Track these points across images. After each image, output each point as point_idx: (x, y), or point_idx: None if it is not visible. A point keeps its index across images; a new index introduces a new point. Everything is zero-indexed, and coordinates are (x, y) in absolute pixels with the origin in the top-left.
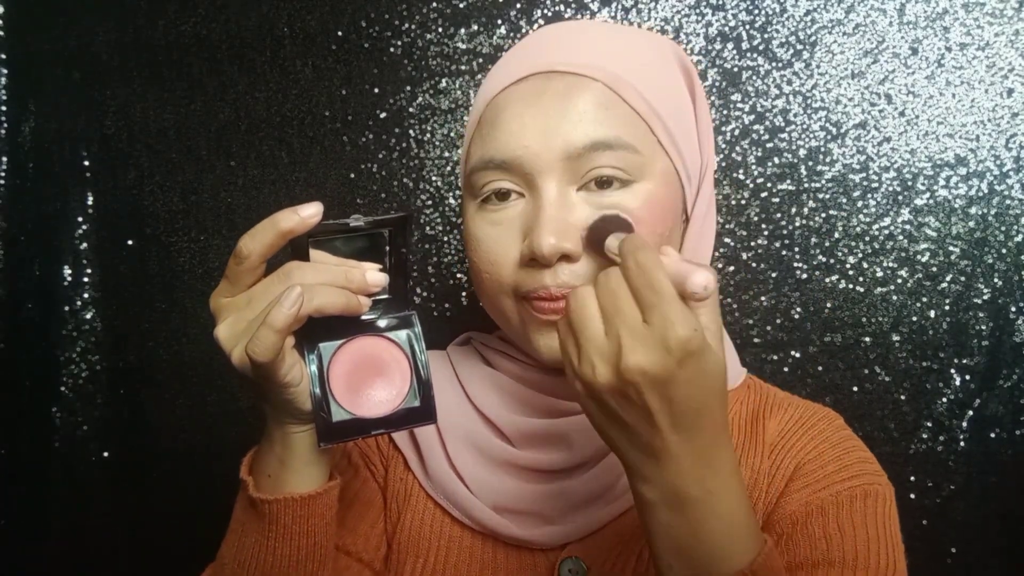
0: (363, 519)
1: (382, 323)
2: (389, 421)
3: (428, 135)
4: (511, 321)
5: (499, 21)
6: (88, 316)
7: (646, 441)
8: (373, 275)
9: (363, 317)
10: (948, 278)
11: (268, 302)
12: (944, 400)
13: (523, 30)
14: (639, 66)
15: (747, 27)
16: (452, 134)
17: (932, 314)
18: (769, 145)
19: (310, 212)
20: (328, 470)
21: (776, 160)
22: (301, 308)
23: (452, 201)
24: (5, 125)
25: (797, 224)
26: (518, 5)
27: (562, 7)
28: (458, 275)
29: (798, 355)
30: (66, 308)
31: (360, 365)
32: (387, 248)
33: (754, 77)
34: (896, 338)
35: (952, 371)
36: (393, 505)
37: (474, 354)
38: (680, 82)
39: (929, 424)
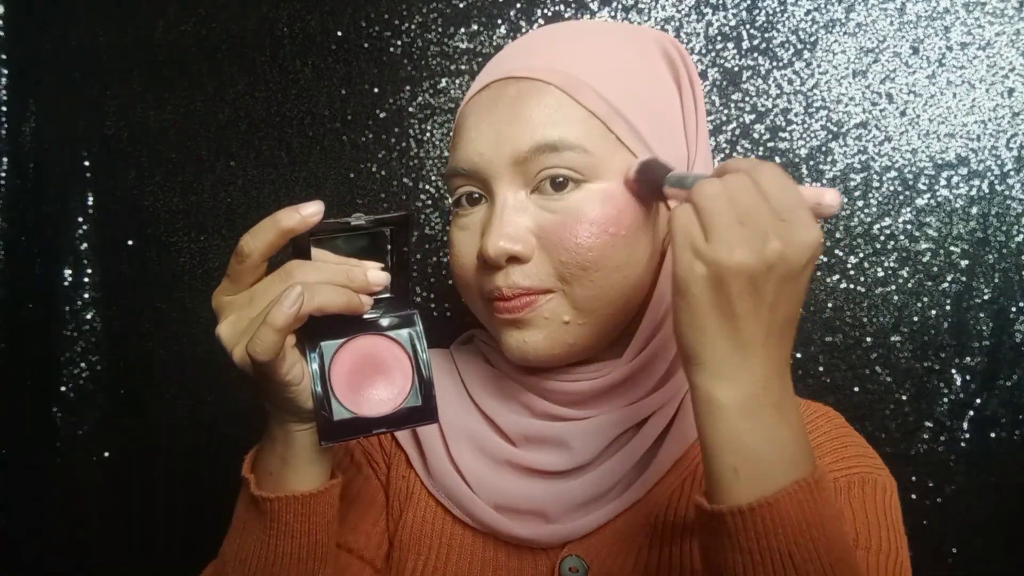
0: (365, 517)
1: (384, 322)
2: (390, 420)
3: (428, 135)
4: (487, 321)
5: (499, 21)
6: (88, 316)
7: (747, 336)
8: (375, 274)
9: (364, 316)
10: (949, 278)
11: (269, 301)
12: (945, 400)
13: (523, 30)
14: (603, 66)
15: (748, 26)
16: (452, 134)
17: (933, 314)
18: (770, 145)
19: (311, 211)
20: (330, 468)
21: (777, 160)
22: (302, 307)
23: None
24: (5, 125)
25: None
26: (518, 5)
27: (562, 7)
28: None
29: (799, 355)
30: (66, 308)
31: (362, 364)
32: (388, 247)
33: (755, 76)
34: (897, 338)
35: (953, 371)
36: (395, 503)
37: (476, 353)
38: (661, 75)
39: (930, 424)
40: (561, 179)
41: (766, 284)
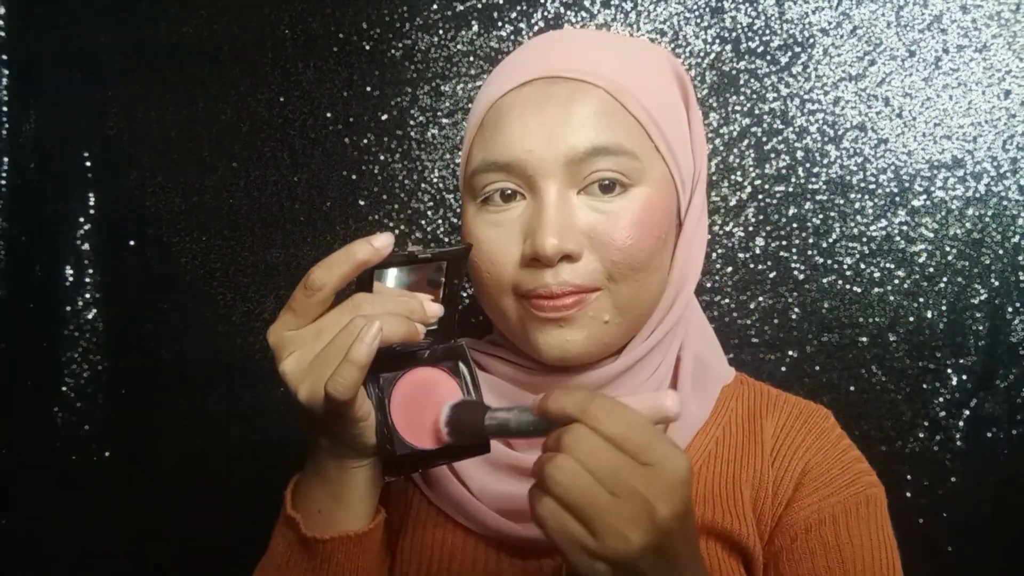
0: None
1: (435, 353)
2: (449, 452)
3: (429, 137)
4: (510, 320)
5: (500, 23)
6: (89, 316)
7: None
8: (431, 306)
9: (415, 348)
10: (945, 279)
11: (338, 335)
12: (941, 400)
13: (524, 32)
14: (639, 75)
15: (745, 29)
16: (453, 136)
17: (929, 314)
18: (767, 147)
19: (384, 242)
20: (376, 502)
21: (774, 162)
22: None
23: (453, 202)
24: (7, 126)
25: (795, 225)
26: (519, 7)
27: (562, 9)
28: None
29: (795, 355)
30: (68, 308)
31: (417, 396)
32: (443, 279)
33: (752, 79)
34: (893, 338)
35: (949, 371)
36: (395, 516)
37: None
38: (676, 91)
39: (926, 423)
40: (609, 182)
41: (671, 543)
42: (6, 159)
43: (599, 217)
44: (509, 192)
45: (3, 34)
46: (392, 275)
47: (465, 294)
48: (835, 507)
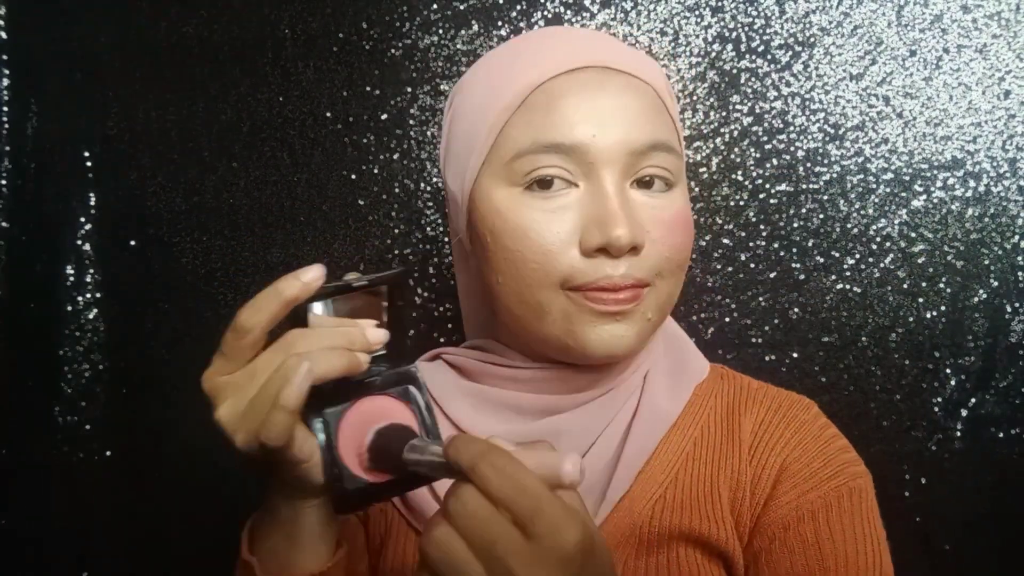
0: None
1: (383, 381)
2: (404, 482)
3: (429, 136)
4: (549, 315)
5: (500, 23)
6: (90, 316)
7: None
8: (374, 332)
9: (363, 377)
10: (945, 279)
11: (271, 377)
12: (940, 400)
13: (524, 32)
14: (663, 78)
15: (746, 29)
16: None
17: (929, 315)
18: (767, 146)
19: (312, 276)
20: (336, 537)
21: (774, 161)
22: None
23: None
24: (7, 126)
25: (795, 225)
26: (518, 7)
27: (562, 9)
28: None
29: (796, 355)
30: (68, 308)
31: (368, 427)
32: (386, 304)
33: (753, 79)
34: (893, 338)
35: (948, 371)
36: (375, 537)
37: (447, 370)
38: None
39: (924, 423)
40: (661, 178)
41: None
42: (6, 159)
43: (654, 212)
44: (559, 177)
45: (3, 34)
46: (332, 305)
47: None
48: (815, 502)
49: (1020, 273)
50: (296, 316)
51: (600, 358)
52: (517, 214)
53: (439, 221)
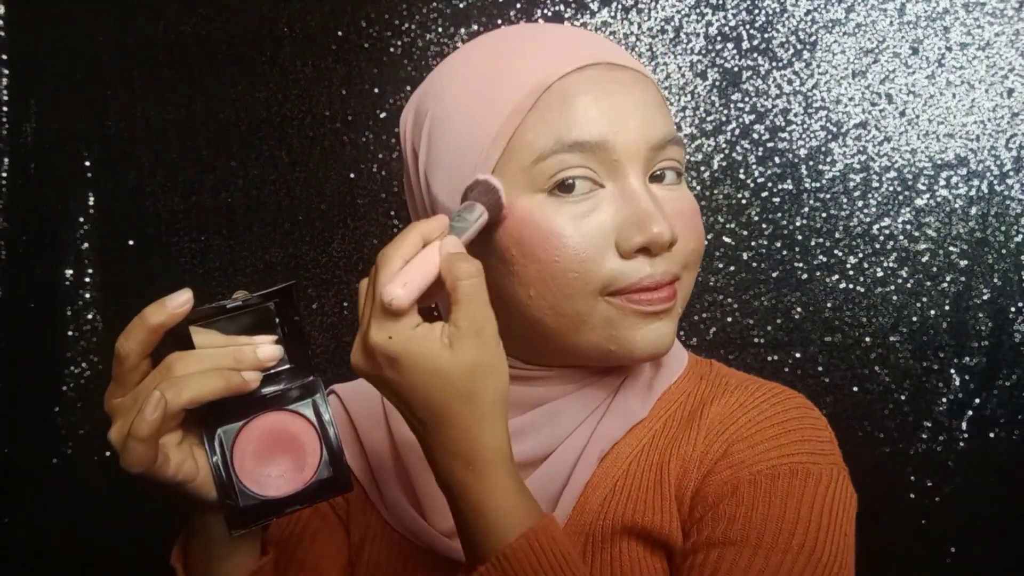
0: (324, 556)
1: (284, 395)
2: (303, 496)
3: None
4: (587, 323)
5: (499, 21)
6: (89, 316)
7: (408, 420)
8: (265, 350)
9: (265, 391)
10: (948, 278)
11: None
12: (944, 400)
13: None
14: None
15: (747, 27)
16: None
17: (932, 314)
18: (770, 145)
19: (178, 302)
20: (259, 545)
21: (776, 160)
22: (168, 407)
23: None
24: (6, 125)
25: (798, 224)
26: (518, 5)
27: (562, 7)
28: None
29: (799, 355)
30: (67, 308)
31: (266, 443)
32: (277, 320)
33: (754, 77)
34: (896, 338)
35: (952, 371)
36: (356, 538)
37: None
38: None
39: (929, 424)
40: (675, 172)
41: (385, 384)
42: (6, 159)
43: (674, 205)
44: (583, 178)
45: (3, 34)
46: (223, 324)
47: None
48: (741, 479)
49: None
50: (180, 339)
51: (646, 359)
52: (549, 222)
53: None
